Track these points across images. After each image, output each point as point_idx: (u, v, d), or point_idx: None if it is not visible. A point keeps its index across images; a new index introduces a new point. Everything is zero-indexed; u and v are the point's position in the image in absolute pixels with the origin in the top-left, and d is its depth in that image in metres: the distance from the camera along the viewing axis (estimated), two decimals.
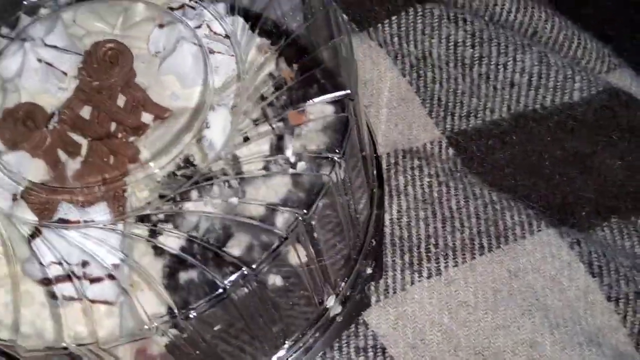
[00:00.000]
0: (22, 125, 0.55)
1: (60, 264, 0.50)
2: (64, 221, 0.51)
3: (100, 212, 0.52)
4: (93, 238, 0.51)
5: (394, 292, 0.67)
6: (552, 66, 0.74)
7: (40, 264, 0.50)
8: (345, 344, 0.65)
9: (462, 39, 0.76)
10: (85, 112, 0.56)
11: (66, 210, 0.51)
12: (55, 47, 0.58)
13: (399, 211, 0.71)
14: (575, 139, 0.74)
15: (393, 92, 0.77)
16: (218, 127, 0.54)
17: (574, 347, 0.64)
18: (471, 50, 0.76)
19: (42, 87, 0.57)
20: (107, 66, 0.56)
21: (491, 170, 0.74)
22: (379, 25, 0.76)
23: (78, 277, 0.50)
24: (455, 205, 0.71)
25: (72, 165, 0.55)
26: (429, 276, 0.68)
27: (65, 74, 0.58)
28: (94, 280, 0.50)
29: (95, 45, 0.57)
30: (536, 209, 0.71)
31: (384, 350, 0.65)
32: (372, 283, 0.67)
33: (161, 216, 0.54)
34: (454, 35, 0.76)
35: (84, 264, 0.50)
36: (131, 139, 0.56)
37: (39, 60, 0.57)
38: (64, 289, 0.50)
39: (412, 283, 0.68)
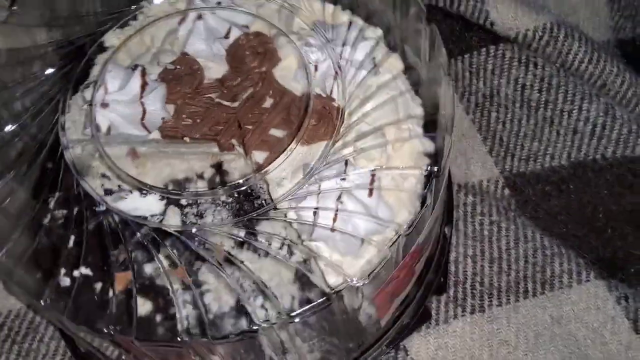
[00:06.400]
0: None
1: None
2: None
3: None
4: None
5: (437, 324, 0.72)
6: (617, 119, 0.78)
7: None
8: None
9: (530, 82, 0.81)
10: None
11: None
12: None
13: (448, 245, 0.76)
14: (633, 194, 0.78)
15: (455, 128, 0.83)
16: None
17: None
18: (538, 94, 0.81)
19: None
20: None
21: (544, 216, 0.79)
22: (452, 59, 0.82)
23: None
24: (504, 246, 0.76)
25: None
26: (472, 312, 0.72)
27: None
28: None
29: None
30: (587, 259, 0.75)
31: None
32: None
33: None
34: (523, 77, 0.81)
35: None
36: None
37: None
38: None
39: (455, 317, 0.72)
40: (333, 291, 0.55)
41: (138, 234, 0.59)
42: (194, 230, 0.59)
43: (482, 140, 0.82)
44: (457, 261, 0.75)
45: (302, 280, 0.59)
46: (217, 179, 0.63)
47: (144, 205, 0.61)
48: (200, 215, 0.61)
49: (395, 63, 0.66)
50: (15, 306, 0.73)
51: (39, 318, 0.72)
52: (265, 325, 0.55)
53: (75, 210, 0.61)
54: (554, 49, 0.80)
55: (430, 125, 0.63)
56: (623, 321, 0.71)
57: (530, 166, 0.81)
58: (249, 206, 0.61)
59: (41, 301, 0.56)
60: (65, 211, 0.62)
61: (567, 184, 0.80)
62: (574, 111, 0.80)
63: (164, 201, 0.61)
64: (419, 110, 0.64)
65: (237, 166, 0.63)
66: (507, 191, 0.80)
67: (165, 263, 0.59)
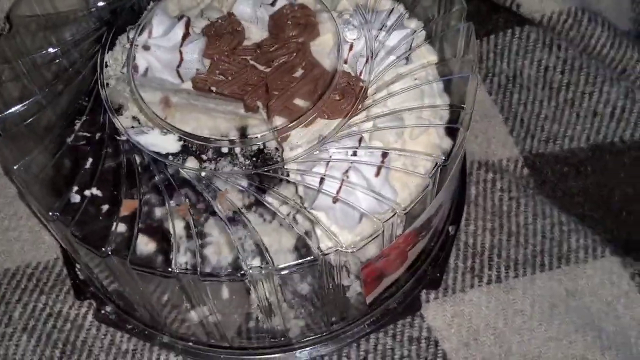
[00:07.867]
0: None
1: None
2: None
3: None
4: None
5: (453, 292, 0.74)
6: (637, 102, 0.81)
7: None
8: (400, 332, 0.72)
9: (553, 64, 0.83)
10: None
11: None
12: None
13: (467, 219, 0.78)
14: None
15: (477, 108, 0.85)
16: None
17: None
18: (560, 75, 0.83)
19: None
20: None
21: (562, 196, 0.81)
22: (477, 40, 0.84)
23: None
24: (523, 221, 0.78)
25: None
26: (489, 282, 0.74)
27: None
28: None
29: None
30: (602, 237, 0.77)
31: (437, 343, 0.71)
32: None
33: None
34: (546, 59, 0.83)
35: None
36: None
37: None
38: None
39: (472, 286, 0.74)
40: (321, 252, 0.57)
41: (152, 169, 0.62)
42: (203, 174, 0.62)
43: (503, 120, 0.85)
44: (475, 234, 0.77)
45: (301, 251, 0.62)
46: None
47: (162, 143, 0.64)
48: (216, 170, 0.64)
49: (428, 55, 0.68)
50: (44, 258, 0.75)
51: (65, 271, 0.75)
52: (252, 272, 0.57)
53: (98, 135, 0.64)
54: (578, 32, 0.82)
55: (455, 122, 0.65)
56: (636, 296, 0.73)
57: (550, 147, 0.83)
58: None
59: (50, 212, 0.59)
60: (88, 134, 0.65)
61: (585, 166, 0.82)
62: (594, 93, 0.82)
63: (181, 142, 0.64)
64: (443, 104, 0.66)
65: (260, 132, 0.65)
66: (526, 170, 0.82)
67: (173, 204, 0.61)
